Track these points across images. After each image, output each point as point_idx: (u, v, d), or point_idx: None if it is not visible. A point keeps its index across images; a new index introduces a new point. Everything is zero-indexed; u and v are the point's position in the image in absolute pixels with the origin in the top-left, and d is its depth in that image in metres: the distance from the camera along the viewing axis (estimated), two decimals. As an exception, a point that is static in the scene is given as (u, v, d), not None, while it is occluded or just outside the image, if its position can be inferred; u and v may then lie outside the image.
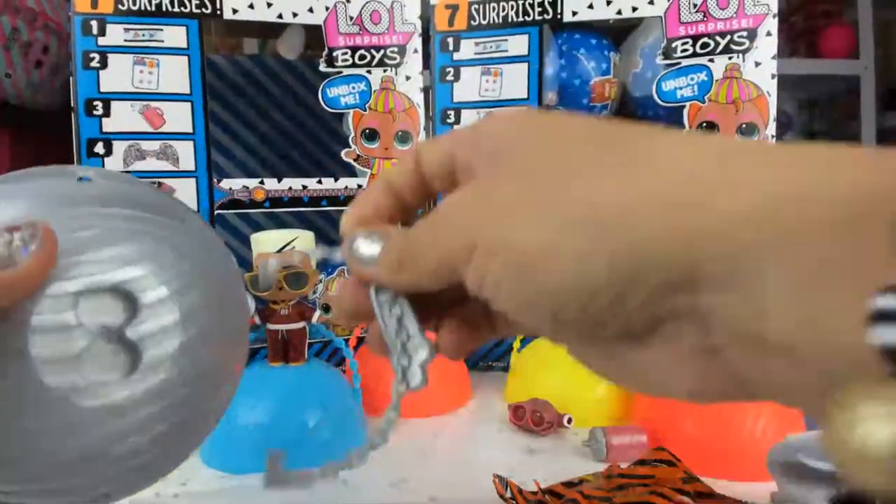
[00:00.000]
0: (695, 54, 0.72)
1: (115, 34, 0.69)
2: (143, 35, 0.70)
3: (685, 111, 0.72)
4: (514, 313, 0.19)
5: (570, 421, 0.59)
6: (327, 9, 0.76)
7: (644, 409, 0.58)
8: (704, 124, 0.72)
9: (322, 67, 0.77)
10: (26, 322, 0.17)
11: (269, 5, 0.74)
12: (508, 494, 0.44)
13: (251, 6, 0.73)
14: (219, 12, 0.72)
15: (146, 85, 0.70)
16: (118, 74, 0.69)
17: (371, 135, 0.77)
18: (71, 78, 0.69)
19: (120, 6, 0.69)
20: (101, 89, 0.69)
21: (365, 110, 0.77)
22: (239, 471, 0.51)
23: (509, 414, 0.61)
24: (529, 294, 0.18)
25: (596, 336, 0.18)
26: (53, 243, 0.17)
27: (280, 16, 0.75)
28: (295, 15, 0.75)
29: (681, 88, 0.73)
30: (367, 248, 0.22)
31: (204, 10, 0.72)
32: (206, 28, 0.72)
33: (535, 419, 0.58)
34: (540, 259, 0.17)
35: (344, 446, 0.55)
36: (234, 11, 0.73)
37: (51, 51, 0.89)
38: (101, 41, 0.69)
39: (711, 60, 0.72)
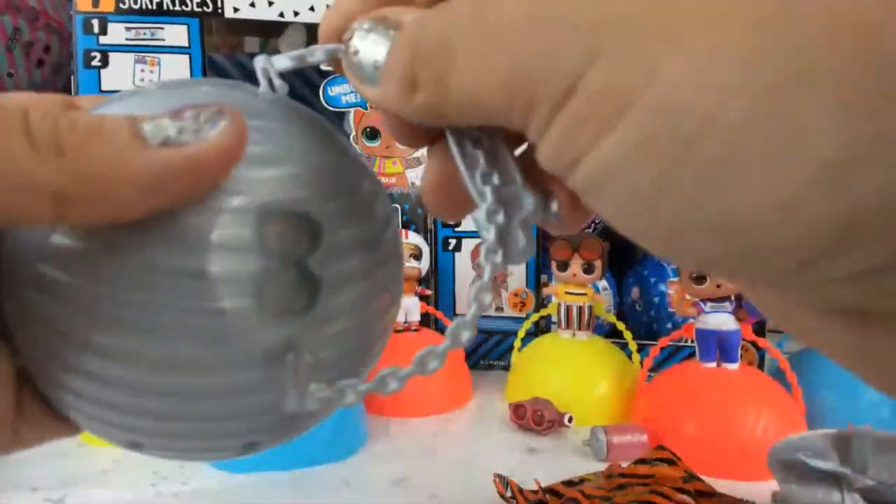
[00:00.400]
0: None
1: (117, 33, 0.69)
2: (145, 34, 0.70)
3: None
4: (663, 242, 0.11)
5: (570, 420, 0.59)
6: (328, 7, 0.76)
7: (645, 408, 0.58)
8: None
9: (323, 66, 0.77)
10: (206, 237, 0.15)
11: (271, 4, 0.74)
12: (509, 494, 0.44)
13: (252, 5, 0.73)
14: (220, 11, 0.72)
15: (147, 83, 0.70)
16: (119, 73, 0.69)
17: (372, 133, 0.77)
18: (72, 77, 0.69)
19: (121, 5, 0.69)
20: (103, 88, 0.69)
21: (366, 109, 0.77)
22: (239, 470, 0.51)
23: (510, 413, 0.61)
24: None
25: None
26: (243, 123, 0.14)
27: (281, 14, 0.75)
28: (296, 13, 0.75)
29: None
30: (370, 50, 0.14)
31: (205, 8, 0.72)
32: (207, 27, 0.73)
33: (535, 418, 0.58)
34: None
35: (344, 446, 0.55)
36: (235, 10, 0.73)
37: (52, 50, 0.89)
38: (103, 40, 0.69)
39: None
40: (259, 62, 0.17)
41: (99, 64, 0.69)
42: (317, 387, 0.16)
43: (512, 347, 0.72)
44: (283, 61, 0.17)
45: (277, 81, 0.17)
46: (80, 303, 0.15)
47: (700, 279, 0.56)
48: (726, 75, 0.09)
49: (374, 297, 0.18)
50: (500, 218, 0.14)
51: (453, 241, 0.77)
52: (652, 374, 0.62)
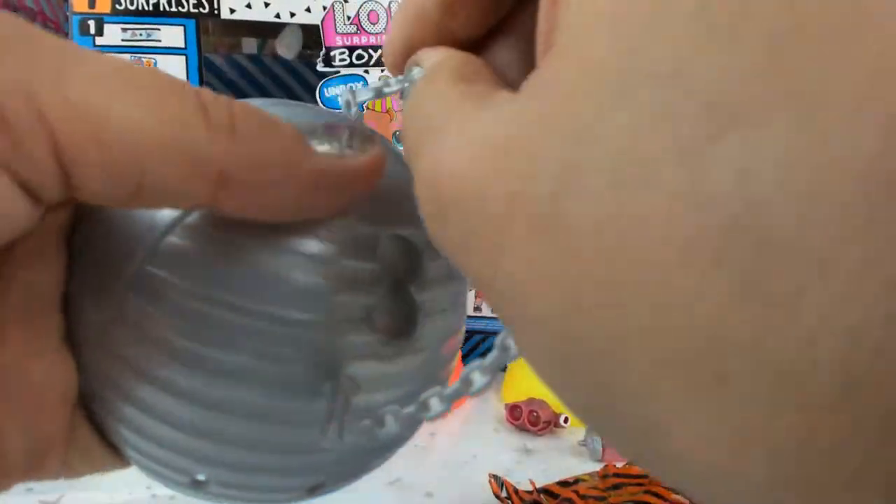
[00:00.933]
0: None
1: (113, 34, 0.69)
2: (141, 35, 0.70)
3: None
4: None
5: (566, 420, 0.59)
6: (325, 8, 0.76)
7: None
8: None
9: (320, 67, 0.77)
10: (326, 253, 0.14)
11: (267, 5, 0.74)
12: (504, 494, 0.44)
13: (248, 6, 0.73)
14: (216, 12, 0.72)
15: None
16: (115, 74, 0.69)
17: (369, 134, 0.78)
18: (68, 78, 0.69)
19: (117, 6, 0.69)
20: (99, 89, 0.69)
21: (362, 110, 0.77)
22: (235, 470, 0.51)
23: (506, 413, 0.61)
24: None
25: None
26: (384, 149, 0.15)
27: (277, 15, 0.75)
28: (292, 14, 0.75)
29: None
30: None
31: (201, 9, 0.72)
32: (203, 28, 0.73)
33: (531, 419, 0.59)
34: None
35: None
36: (232, 11, 0.73)
37: (49, 50, 0.89)
38: (99, 41, 0.69)
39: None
40: (343, 94, 0.18)
41: (95, 65, 0.69)
42: (352, 418, 0.15)
43: (508, 348, 0.72)
44: (364, 93, 0.18)
45: (354, 110, 0.18)
46: (181, 306, 0.15)
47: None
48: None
49: (451, 333, 0.18)
50: None
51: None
52: (647, 375, 0.62)
